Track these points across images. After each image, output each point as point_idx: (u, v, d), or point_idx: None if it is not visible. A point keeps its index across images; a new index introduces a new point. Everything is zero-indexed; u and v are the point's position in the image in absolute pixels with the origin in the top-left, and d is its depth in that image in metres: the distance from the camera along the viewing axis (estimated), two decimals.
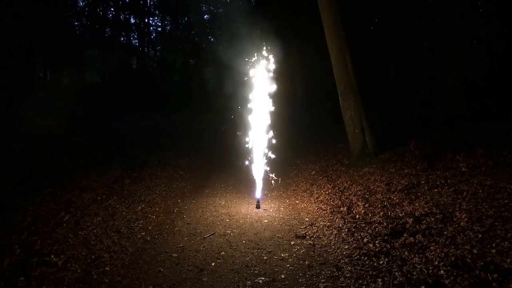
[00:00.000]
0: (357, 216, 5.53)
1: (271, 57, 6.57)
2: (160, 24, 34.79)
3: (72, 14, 25.97)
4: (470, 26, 17.53)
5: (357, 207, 5.90)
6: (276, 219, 5.77)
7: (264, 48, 6.53)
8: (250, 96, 6.53)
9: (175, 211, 6.28)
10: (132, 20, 32.13)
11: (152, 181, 8.14)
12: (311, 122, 17.01)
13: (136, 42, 33.31)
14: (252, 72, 6.50)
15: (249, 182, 7.06)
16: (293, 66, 20.59)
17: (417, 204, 5.63)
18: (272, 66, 6.58)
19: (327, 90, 20.15)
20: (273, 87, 6.57)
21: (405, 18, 21.23)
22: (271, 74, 6.57)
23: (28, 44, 21.49)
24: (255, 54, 6.50)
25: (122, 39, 31.53)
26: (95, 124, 17.00)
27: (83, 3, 27.83)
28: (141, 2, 31.21)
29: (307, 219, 5.70)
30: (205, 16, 34.23)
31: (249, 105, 6.54)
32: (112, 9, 29.95)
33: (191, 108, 24.58)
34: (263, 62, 6.51)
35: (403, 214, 5.38)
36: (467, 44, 13.60)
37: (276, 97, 6.68)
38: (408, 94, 20.93)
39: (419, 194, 6.07)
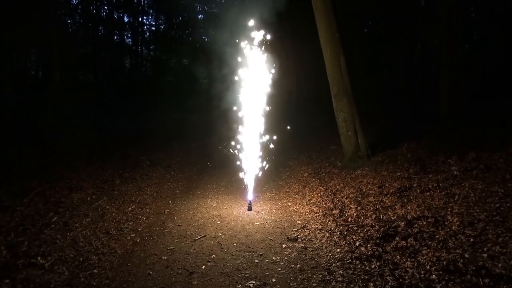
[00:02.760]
0: (349, 219, 5.50)
1: (265, 57, 6.52)
2: (154, 23, 34.52)
3: (65, 11, 25.64)
4: (463, 29, 17.66)
5: (350, 210, 5.87)
6: (268, 222, 5.73)
7: (258, 48, 6.48)
8: (244, 97, 6.47)
9: (166, 212, 6.21)
10: (126, 19, 31.84)
11: (143, 182, 8.05)
12: (304, 123, 16.98)
13: (130, 41, 33.03)
14: (245, 72, 6.45)
15: (241, 184, 6.99)
16: (287, 68, 20.56)
17: (409, 207, 5.61)
18: (266, 66, 6.53)
19: (321, 91, 20.27)
20: (268, 88, 6.53)
21: (399, 21, 21.32)
22: (266, 75, 6.52)
23: (19, 41, 21.21)
24: (249, 55, 6.44)
25: (115, 37, 31.23)
26: (86, 123, 16.82)
27: (76, 1, 27.54)
28: (134, 0, 30.94)
29: (299, 222, 5.66)
30: (199, 16, 34.05)
31: (242, 106, 6.49)
32: (105, 7, 29.68)
33: (184, 108, 24.43)
34: (256, 62, 6.45)
35: (395, 217, 5.36)
36: (459, 48, 13.66)
37: (271, 98, 6.64)
38: (400, 96, 21.02)
39: (411, 197, 6.06)
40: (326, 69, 9.26)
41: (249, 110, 6.48)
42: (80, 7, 27.99)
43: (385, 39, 22.71)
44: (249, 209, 6.30)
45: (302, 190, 7.45)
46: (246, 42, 6.42)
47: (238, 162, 6.72)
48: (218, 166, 9.70)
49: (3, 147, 10.41)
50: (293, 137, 14.03)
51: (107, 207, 6.29)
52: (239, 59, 6.49)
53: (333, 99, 9.21)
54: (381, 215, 5.49)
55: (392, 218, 5.36)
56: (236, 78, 6.52)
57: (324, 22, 8.99)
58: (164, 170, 9.25)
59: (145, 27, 33.95)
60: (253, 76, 6.47)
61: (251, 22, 6.34)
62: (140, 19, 32.27)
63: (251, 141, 6.55)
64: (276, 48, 7.31)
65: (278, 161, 10.29)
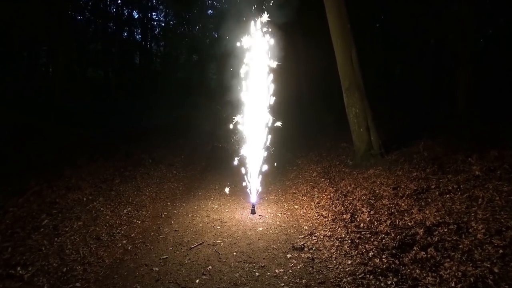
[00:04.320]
0: (362, 225, 5.01)
1: (275, 51, 6.05)
2: (163, 19, 34.27)
3: (75, 8, 25.51)
4: (479, 23, 16.86)
5: (362, 214, 5.38)
6: (272, 227, 5.24)
7: (268, 41, 6.02)
8: (250, 92, 6.00)
9: (163, 215, 5.76)
10: (136, 15, 31.67)
11: (143, 181, 7.67)
12: (315, 119, 16.44)
13: (139, 37, 32.83)
14: (253, 67, 5.98)
15: (246, 184, 6.41)
16: (297, 62, 20.04)
17: (427, 212, 5.11)
18: (275, 61, 6.05)
19: (331, 87, 19.70)
20: (274, 84, 6.06)
21: (411, 15, 20.54)
22: (275, 68, 6.05)
23: (30, 38, 21.09)
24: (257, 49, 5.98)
25: (124, 34, 31.03)
26: (93, 120, 16.61)
27: None
28: None
29: (306, 228, 5.16)
30: (209, 11, 33.63)
31: (248, 102, 6.01)
32: (115, 3, 29.46)
33: (193, 104, 24.10)
34: (266, 55, 5.99)
35: (413, 223, 4.87)
36: (476, 42, 13.01)
37: (279, 94, 6.15)
38: (413, 92, 20.32)
39: (430, 200, 5.55)
40: (337, 63, 8.75)
41: (255, 107, 5.99)
42: (90, 3, 27.80)
43: (397, 34, 21.97)
44: (253, 212, 5.81)
45: (310, 191, 6.94)
46: (255, 36, 5.97)
47: (242, 165, 6.15)
48: (223, 165, 9.23)
49: (6, 144, 10.27)
50: (302, 134, 13.56)
51: (101, 209, 5.92)
52: (247, 53, 6.01)
53: (344, 94, 8.70)
54: (397, 221, 4.99)
55: (409, 224, 4.86)
56: (243, 74, 6.04)
57: (335, 12, 8.46)
58: (166, 168, 8.86)
59: (155, 23, 33.76)
60: (261, 72, 5.99)
61: (262, 17, 5.92)
62: (149, 15, 32.04)
63: (256, 140, 6.05)
64: (286, 42, 6.83)
65: (286, 159, 9.82)
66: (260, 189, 6.21)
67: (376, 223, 4.99)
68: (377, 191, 6.33)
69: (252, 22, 5.98)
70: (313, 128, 14.73)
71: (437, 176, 6.45)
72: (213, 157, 10.51)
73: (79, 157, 9.89)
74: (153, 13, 33.09)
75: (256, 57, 6.01)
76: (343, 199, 6.15)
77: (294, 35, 18.03)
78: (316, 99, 19.94)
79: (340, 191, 6.65)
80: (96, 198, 6.53)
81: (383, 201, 5.82)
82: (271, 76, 6.04)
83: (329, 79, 19.85)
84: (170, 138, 13.30)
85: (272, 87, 6.04)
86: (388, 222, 4.97)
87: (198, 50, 32.34)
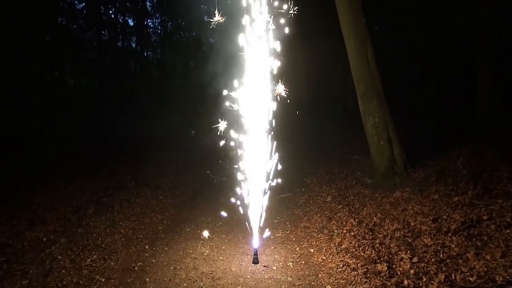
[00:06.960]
0: (406, 282, 3.62)
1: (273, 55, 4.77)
2: (159, 26, 33.27)
3: (69, 16, 24.55)
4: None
5: (402, 263, 4.00)
6: (283, 287, 3.82)
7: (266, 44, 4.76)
8: (247, 97, 4.71)
9: (136, 267, 4.30)
10: (131, 23, 30.74)
11: (120, 212, 6.33)
12: (319, 128, 15.07)
13: (134, 45, 31.85)
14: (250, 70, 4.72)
15: (247, 216, 4.93)
16: (298, 65, 18.86)
17: (489, 258, 3.79)
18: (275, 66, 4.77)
19: (335, 92, 18.54)
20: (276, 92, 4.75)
21: (415, 14, 19.31)
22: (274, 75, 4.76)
23: (24, 47, 20.13)
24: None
25: (119, 42, 29.99)
26: (85, 132, 15.38)
27: (81, 6, 26.27)
28: (139, 4, 29.64)
29: None
30: (205, 17, 32.58)
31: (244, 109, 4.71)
32: (110, 11, 28.43)
33: (190, 112, 22.97)
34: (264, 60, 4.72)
35: (476, 277, 3.53)
36: (498, 39, 11.78)
37: (279, 101, 4.84)
38: (417, 96, 19.11)
39: (486, 238, 4.21)
40: (350, 64, 7.46)
41: (253, 115, 4.66)
42: (84, 11, 26.75)
43: (400, 36, 20.81)
44: (255, 261, 4.36)
45: (327, 225, 5.47)
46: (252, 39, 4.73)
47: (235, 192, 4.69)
48: (218, 188, 7.80)
49: None
50: (307, 145, 12.22)
51: (59, 257, 4.59)
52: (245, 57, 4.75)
53: (360, 100, 7.38)
54: (453, 274, 3.64)
55: (471, 279, 3.52)
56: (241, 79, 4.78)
57: (347, 4, 7.17)
58: (151, 193, 7.50)
59: (150, 30, 32.83)
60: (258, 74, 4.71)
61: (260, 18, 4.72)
62: (145, 22, 31.07)
63: (255, 162, 4.65)
64: (285, 44, 5.62)
65: (292, 177, 8.43)
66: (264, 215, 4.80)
67: (425, 279, 3.63)
68: (413, 224, 4.98)
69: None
70: (319, 138, 13.34)
71: (484, 201, 5.14)
72: (207, 177, 9.13)
73: (59, 176, 8.79)
74: (149, 20, 32.12)
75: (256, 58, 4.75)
76: (371, 237, 4.76)
77: (293, 35, 16.86)
78: (320, 105, 18.74)
79: (364, 224, 5.25)
80: (58, 238, 5.24)
81: (425, 240, 4.47)
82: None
83: (332, 83, 18.72)
84: (162, 152, 12.05)
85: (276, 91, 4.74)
86: (441, 276, 3.62)
87: (195, 56, 31.34)
